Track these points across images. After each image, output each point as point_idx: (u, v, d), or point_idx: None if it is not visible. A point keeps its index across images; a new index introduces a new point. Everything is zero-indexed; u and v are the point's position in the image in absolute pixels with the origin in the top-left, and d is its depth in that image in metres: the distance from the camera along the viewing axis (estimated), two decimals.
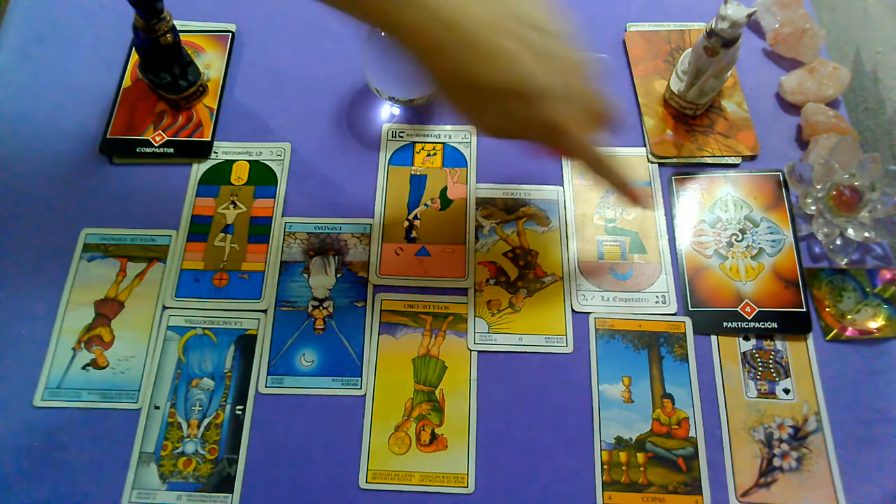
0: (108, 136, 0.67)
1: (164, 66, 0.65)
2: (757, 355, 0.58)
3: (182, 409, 0.56)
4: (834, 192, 0.61)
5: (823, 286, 0.61)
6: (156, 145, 0.66)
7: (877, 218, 0.60)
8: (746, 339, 0.59)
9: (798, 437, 0.55)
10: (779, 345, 0.59)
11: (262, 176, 0.66)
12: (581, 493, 0.54)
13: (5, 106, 0.69)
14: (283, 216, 0.64)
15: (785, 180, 0.65)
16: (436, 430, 0.56)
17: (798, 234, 0.63)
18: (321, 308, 0.60)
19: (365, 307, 0.60)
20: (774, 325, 0.59)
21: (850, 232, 0.60)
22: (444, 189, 0.65)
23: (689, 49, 0.65)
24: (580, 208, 0.64)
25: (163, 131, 0.67)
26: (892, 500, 0.53)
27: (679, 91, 0.66)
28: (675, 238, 0.63)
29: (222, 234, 0.63)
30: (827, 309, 0.60)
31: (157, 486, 0.54)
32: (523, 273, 0.61)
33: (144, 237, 0.63)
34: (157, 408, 0.56)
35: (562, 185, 0.66)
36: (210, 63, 0.71)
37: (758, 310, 0.59)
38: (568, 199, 0.65)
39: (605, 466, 0.55)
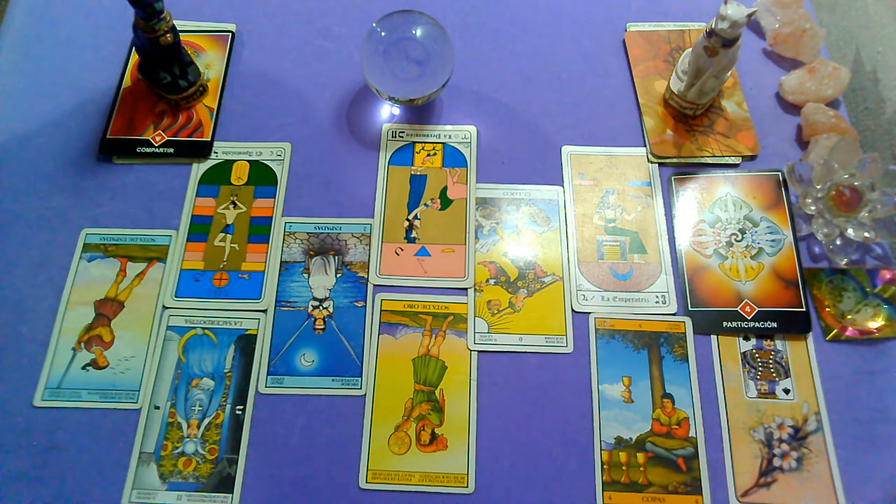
0: (108, 136, 0.67)
1: (164, 66, 0.65)
2: (757, 355, 0.58)
3: (182, 409, 0.56)
4: (834, 192, 0.61)
5: (823, 286, 0.60)
6: (156, 145, 0.66)
7: (877, 218, 0.60)
8: (746, 338, 0.59)
9: (798, 437, 0.55)
10: (779, 345, 0.59)
11: (262, 176, 0.66)
12: (581, 493, 0.54)
13: (5, 106, 0.69)
14: (283, 216, 0.64)
15: (785, 180, 0.65)
16: (436, 430, 0.56)
17: (798, 234, 0.63)
18: (321, 308, 0.60)
19: (365, 307, 0.60)
20: (774, 325, 0.59)
21: (850, 232, 0.60)
22: (444, 189, 0.65)
23: (689, 49, 0.65)
24: (580, 208, 0.64)
25: (163, 131, 0.67)
26: (892, 501, 0.53)
27: (679, 91, 0.66)
28: (674, 238, 0.63)
29: (222, 234, 0.63)
30: (827, 309, 0.60)
31: (157, 486, 0.54)
32: (523, 273, 0.62)
33: (144, 237, 0.63)
34: (157, 408, 0.56)
35: (562, 185, 0.66)
36: (210, 63, 0.71)
37: (758, 310, 0.59)
38: (568, 199, 0.65)
39: (605, 466, 0.55)
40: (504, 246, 0.63)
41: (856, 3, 0.80)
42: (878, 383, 0.57)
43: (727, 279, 0.61)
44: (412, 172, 0.66)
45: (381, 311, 0.60)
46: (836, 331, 0.59)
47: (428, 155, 0.67)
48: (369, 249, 0.62)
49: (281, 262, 0.62)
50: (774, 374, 0.57)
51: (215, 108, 0.69)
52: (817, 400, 0.57)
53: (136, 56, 0.69)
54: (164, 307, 0.60)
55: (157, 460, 0.55)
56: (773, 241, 0.62)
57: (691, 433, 0.55)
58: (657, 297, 0.61)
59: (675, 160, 0.66)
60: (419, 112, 0.69)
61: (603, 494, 0.54)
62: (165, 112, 0.68)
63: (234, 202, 0.64)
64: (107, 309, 0.60)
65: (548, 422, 0.56)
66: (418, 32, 0.63)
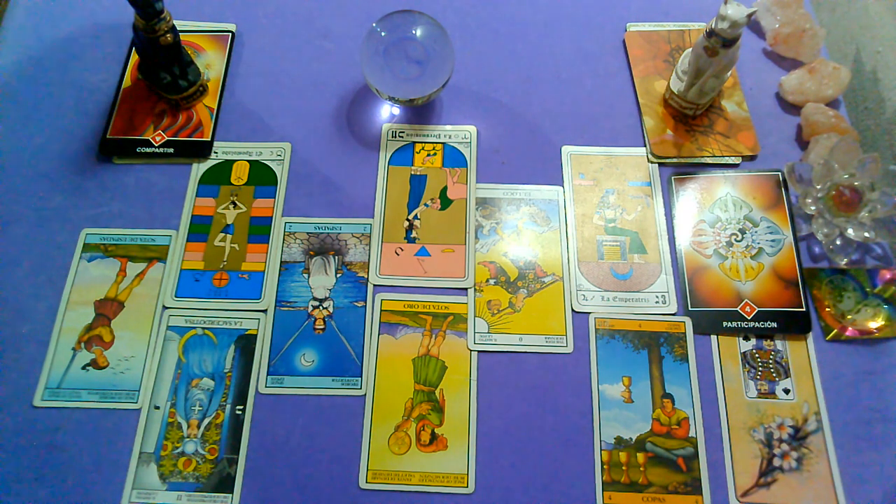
0: (108, 136, 0.67)
1: (164, 66, 0.65)
2: (757, 355, 0.58)
3: (182, 409, 0.56)
4: (834, 192, 0.61)
5: (823, 286, 0.60)
6: (156, 145, 0.66)
7: (877, 218, 0.60)
8: (746, 339, 0.59)
9: (798, 437, 0.55)
10: (779, 345, 0.59)
11: (262, 176, 0.66)
12: (581, 493, 0.54)
13: (5, 106, 0.69)
14: (283, 216, 0.64)
15: (785, 180, 0.65)
16: (436, 430, 0.56)
17: (798, 234, 0.63)
18: (321, 308, 0.60)
19: (365, 307, 0.60)
20: (774, 325, 0.59)
21: (850, 232, 0.60)
22: (444, 189, 0.65)
23: (689, 49, 0.65)
24: (580, 208, 0.64)
25: (163, 131, 0.67)
26: (892, 500, 0.53)
27: (679, 91, 0.66)
28: (674, 238, 0.63)
29: (222, 234, 0.63)
30: (827, 309, 0.60)
31: (157, 486, 0.54)
32: (523, 273, 0.62)
33: (144, 237, 0.63)
34: (157, 408, 0.56)
35: (562, 185, 0.66)
36: (210, 63, 0.71)
37: (758, 310, 0.59)
38: (568, 199, 0.65)
39: (605, 466, 0.55)
40: (504, 246, 0.63)
41: (856, 3, 0.80)
42: (878, 383, 0.57)
43: (727, 279, 0.61)
44: (412, 172, 0.66)
45: (381, 311, 0.60)
46: (836, 331, 0.59)
47: (428, 155, 0.67)
48: (369, 249, 0.62)
49: (281, 262, 0.62)
50: (774, 374, 0.57)
51: (215, 108, 0.69)
52: (817, 400, 0.57)
53: (136, 56, 0.69)
54: (164, 307, 0.60)
55: (157, 460, 0.55)
56: (773, 241, 0.62)
57: (691, 433, 0.55)
58: (657, 297, 0.61)
59: (675, 160, 0.66)
60: (419, 112, 0.69)
61: (603, 494, 0.54)
62: (165, 112, 0.68)
63: (234, 202, 0.64)
64: (107, 309, 0.60)
65: (548, 422, 0.56)
66: (418, 32, 0.63)
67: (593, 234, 0.63)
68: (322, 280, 0.61)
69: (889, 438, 0.55)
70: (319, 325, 0.59)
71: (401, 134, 0.68)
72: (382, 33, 0.63)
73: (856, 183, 0.61)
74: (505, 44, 0.73)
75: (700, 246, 0.63)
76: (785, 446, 0.55)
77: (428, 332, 0.59)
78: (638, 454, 0.55)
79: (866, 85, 0.77)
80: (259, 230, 0.63)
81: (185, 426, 0.56)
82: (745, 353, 0.58)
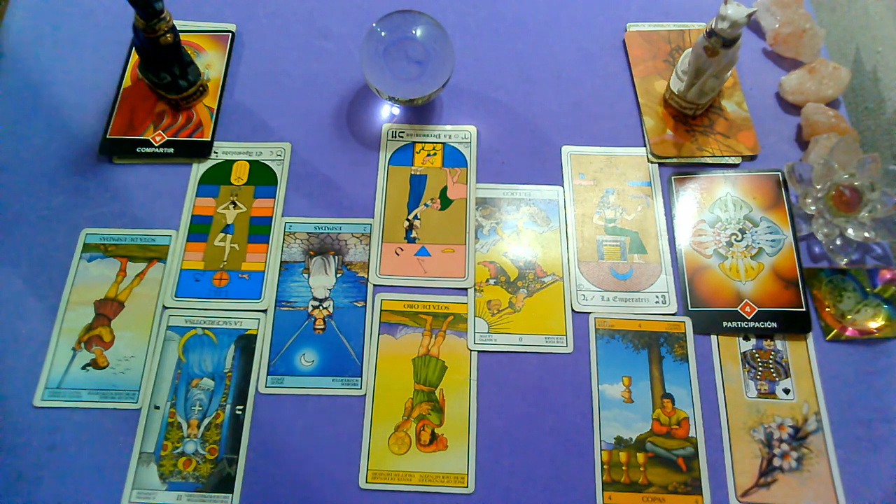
0: (108, 136, 0.67)
1: (164, 66, 0.65)
2: (757, 355, 0.58)
3: (182, 409, 0.56)
4: (834, 192, 0.61)
5: (823, 286, 0.60)
6: (156, 145, 0.66)
7: (877, 218, 0.60)
8: (746, 338, 0.59)
9: (798, 437, 0.55)
10: (779, 345, 0.59)
11: (262, 176, 0.66)
12: (581, 493, 0.54)
13: (5, 106, 0.69)
14: (283, 216, 0.64)
15: (785, 180, 0.65)
16: (436, 430, 0.56)
17: (798, 234, 0.63)
18: (321, 308, 0.60)
19: (365, 307, 0.60)
20: (774, 325, 0.59)
21: (850, 232, 0.60)
22: (444, 189, 0.65)
23: (689, 49, 0.65)
24: (580, 208, 0.64)
25: (163, 131, 0.67)
26: (892, 500, 0.53)
27: (679, 91, 0.66)
28: (674, 238, 0.63)
29: (222, 234, 0.63)
30: (827, 309, 0.60)
31: (157, 486, 0.54)
32: (523, 273, 0.62)
33: (144, 237, 0.63)
34: (157, 408, 0.56)
35: (562, 185, 0.66)
36: (210, 63, 0.71)
37: (758, 310, 0.59)
38: (568, 199, 0.65)
39: (605, 466, 0.55)
40: (504, 246, 0.63)
41: (856, 3, 0.80)
42: (878, 383, 0.57)
43: (727, 279, 0.61)
44: (412, 172, 0.66)
45: (381, 311, 0.60)
46: (836, 331, 0.59)
47: (428, 155, 0.67)
48: (369, 249, 0.62)
49: (281, 262, 0.62)
50: (774, 374, 0.58)
51: (215, 108, 0.69)
52: (817, 400, 0.57)
53: (136, 56, 0.69)
54: (164, 307, 0.60)
55: (157, 460, 0.55)
56: (773, 241, 0.62)
57: (691, 433, 0.55)
58: (657, 297, 0.61)
59: (675, 160, 0.66)
60: (419, 112, 0.69)
61: (603, 494, 0.54)
62: (165, 112, 0.68)
63: (234, 202, 0.64)
64: (107, 309, 0.60)
65: (548, 422, 0.56)
66: (418, 32, 0.63)
67: (593, 234, 0.63)
68: (322, 280, 0.61)
69: (889, 438, 0.55)
70: (319, 325, 0.59)
71: (401, 134, 0.68)
72: (382, 33, 0.63)
73: (856, 183, 0.61)
74: (505, 44, 0.73)
75: (700, 246, 0.63)
76: (785, 446, 0.55)
77: (428, 332, 0.59)
78: (638, 454, 0.55)
79: (866, 85, 0.77)
80: (259, 230, 0.63)
81: (185, 426, 0.56)
82: (745, 353, 0.58)
